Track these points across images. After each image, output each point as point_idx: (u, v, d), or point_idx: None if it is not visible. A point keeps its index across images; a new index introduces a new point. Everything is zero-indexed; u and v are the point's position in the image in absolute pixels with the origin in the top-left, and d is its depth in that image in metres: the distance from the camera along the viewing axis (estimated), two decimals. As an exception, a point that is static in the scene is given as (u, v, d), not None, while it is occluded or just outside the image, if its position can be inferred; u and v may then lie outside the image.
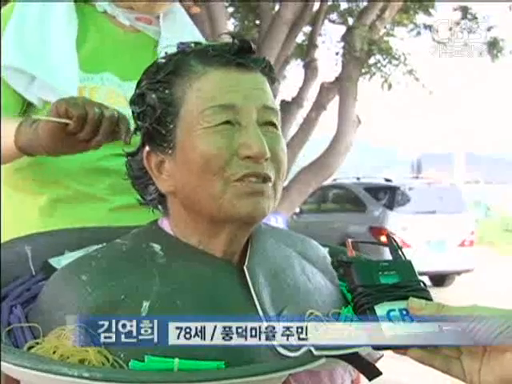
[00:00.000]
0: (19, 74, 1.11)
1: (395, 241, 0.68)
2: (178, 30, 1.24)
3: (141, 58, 1.18)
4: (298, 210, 8.84)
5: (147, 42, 1.23)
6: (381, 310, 0.61)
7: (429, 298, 0.63)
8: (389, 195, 8.24)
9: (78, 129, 0.95)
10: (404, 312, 0.61)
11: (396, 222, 7.78)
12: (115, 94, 1.16)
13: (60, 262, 0.88)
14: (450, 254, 7.82)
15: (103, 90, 1.15)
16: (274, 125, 0.78)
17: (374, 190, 8.50)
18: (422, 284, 0.64)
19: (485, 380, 0.59)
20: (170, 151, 0.78)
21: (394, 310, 0.61)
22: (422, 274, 7.61)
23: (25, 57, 1.11)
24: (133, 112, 0.82)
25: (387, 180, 8.93)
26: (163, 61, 0.81)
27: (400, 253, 0.67)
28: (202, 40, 1.30)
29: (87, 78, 1.15)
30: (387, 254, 0.73)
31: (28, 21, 1.13)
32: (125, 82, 1.17)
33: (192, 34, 1.27)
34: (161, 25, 1.23)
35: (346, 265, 0.64)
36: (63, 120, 0.94)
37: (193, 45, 0.81)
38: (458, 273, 8.14)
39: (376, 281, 0.63)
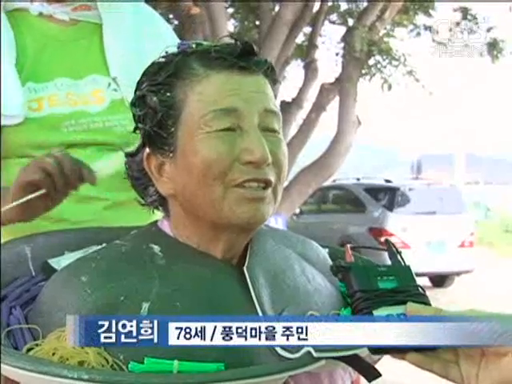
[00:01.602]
0: None
1: (394, 246, 0.68)
2: (116, 5, 1.20)
3: (88, 49, 1.17)
4: (298, 210, 8.84)
5: (91, 30, 1.18)
6: (379, 314, 0.61)
7: (427, 303, 0.62)
8: (389, 196, 8.25)
9: (51, 189, 0.95)
10: (402, 317, 0.61)
11: (396, 223, 7.79)
12: (74, 96, 1.13)
13: (60, 262, 0.88)
14: (449, 254, 7.82)
15: (61, 95, 1.13)
16: (275, 129, 0.78)
17: (374, 191, 8.51)
18: (420, 289, 0.64)
19: None
20: (170, 154, 0.77)
21: (392, 314, 0.61)
22: (421, 274, 7.62)
23: None
24: (133, 114, 0.82)
25: (387, 181, 8.94)
26: (163, 60, 0.80)
27: (399, 258, 0.67)
28: (147, 8, 1.26)
29: (42, 87, 1.12)
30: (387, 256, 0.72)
31: None
32: (80, 80, 1.15)
33: (135, 5, 1.23)
34: (98, 5, 1.18)
35: (344, 270, 0.64)
36: (38, 193, 0.95)
37: (194, 45, 0.80)
38: (458, 274, 8.14)
39: (374, 286, 0.62)
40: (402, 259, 0.67)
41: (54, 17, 1.17)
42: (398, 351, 0.61)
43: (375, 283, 0.63)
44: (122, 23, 1.20)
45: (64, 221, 1.11)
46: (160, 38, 1.19)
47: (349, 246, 0.70)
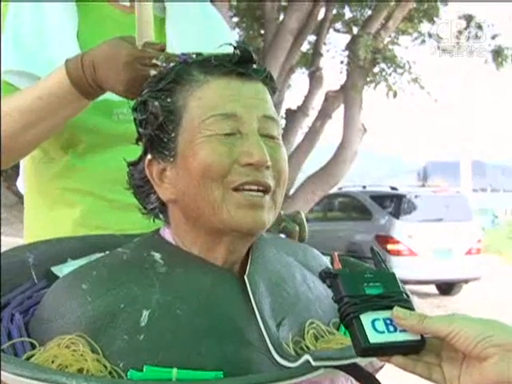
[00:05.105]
0: (23, 76, 1.09)
1: (379, 254, 0.71)
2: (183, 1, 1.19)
3: None
4: (303, 218, 8.81)
5: None
6: (366, 318, 0.63)
7: (411, 308, 0.65)
8: (395, 203, 8.22)
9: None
10: (388, 321, 0.63)
11: (402, 230, 7.76)
12: None
13: (62, 270, 0.88)
14: (456, 262, 7.78)
15: None
16: (274, 135, 0.79)
17: (380, 198, 8.49)
18: (405, 295, 0.67)
19: None
20: (171, 159, 0.78)
21: (378, 319, 0.63)
22: (428, 282, 7.59)
23: (25, 58, 1.09)
24: (135, 119, 0.83)
25: (393, 188, 8.92)
26: (165, 71, 0.82)
27: (384, 265, 0.70)
28: (213, 10, 1.26)
29: None
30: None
31: (23, 18, 1.10)
32: None
33: (201, 4, 1.23)
34: None
35: (332, 276, 0.67)
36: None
37: (194, 55, 0.82)
38: (465, 281, 8.10)
39: (361, 291, 0.65)
40: (387, 267, 0.70)
41: (117, 1, 1.17)
42: (384, 354, 0.63)
43: (362, 289, 0.65)
44: (185, 19, 1.20)
45: (104, 228, 1.09)
46: (221, 41, 1.18)
47: (336, 253, 0.74)
